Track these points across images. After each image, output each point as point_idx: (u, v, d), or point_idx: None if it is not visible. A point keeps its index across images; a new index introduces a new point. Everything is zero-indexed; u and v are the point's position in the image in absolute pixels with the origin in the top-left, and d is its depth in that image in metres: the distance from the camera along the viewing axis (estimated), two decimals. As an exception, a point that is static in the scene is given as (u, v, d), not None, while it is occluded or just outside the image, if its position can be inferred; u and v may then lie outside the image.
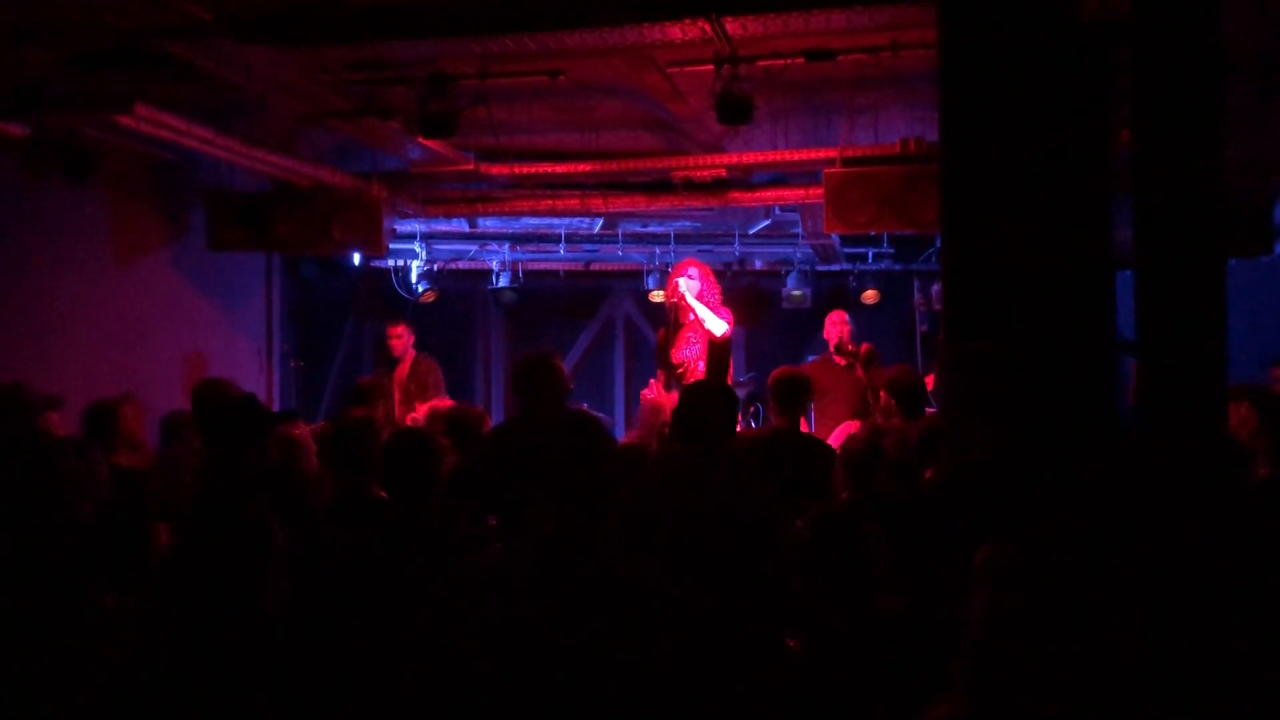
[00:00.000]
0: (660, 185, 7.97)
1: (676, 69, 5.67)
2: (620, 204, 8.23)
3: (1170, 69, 3.31)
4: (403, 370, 7.62)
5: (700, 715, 2.13)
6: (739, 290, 10.00)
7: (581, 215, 9.05)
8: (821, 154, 6.96)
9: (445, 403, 6.24)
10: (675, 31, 4.92)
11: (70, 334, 6.90)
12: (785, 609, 3.07)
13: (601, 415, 8.81)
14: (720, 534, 3.40)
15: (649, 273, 10.58)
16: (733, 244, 10.27)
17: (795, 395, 4.95)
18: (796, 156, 7.03)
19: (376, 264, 10.49)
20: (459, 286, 11.22)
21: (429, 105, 5.66)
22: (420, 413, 6.44)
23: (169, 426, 5.34)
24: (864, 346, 6.30)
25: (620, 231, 10.07)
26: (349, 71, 5.72)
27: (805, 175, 7.78)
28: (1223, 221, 3.36)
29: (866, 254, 10.31)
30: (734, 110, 5.45)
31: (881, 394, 5.50)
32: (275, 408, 8.75)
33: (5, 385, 4.21)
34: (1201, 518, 3.02)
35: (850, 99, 6.43)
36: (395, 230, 9.38)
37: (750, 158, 7.19)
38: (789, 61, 5.44)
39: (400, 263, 10.53)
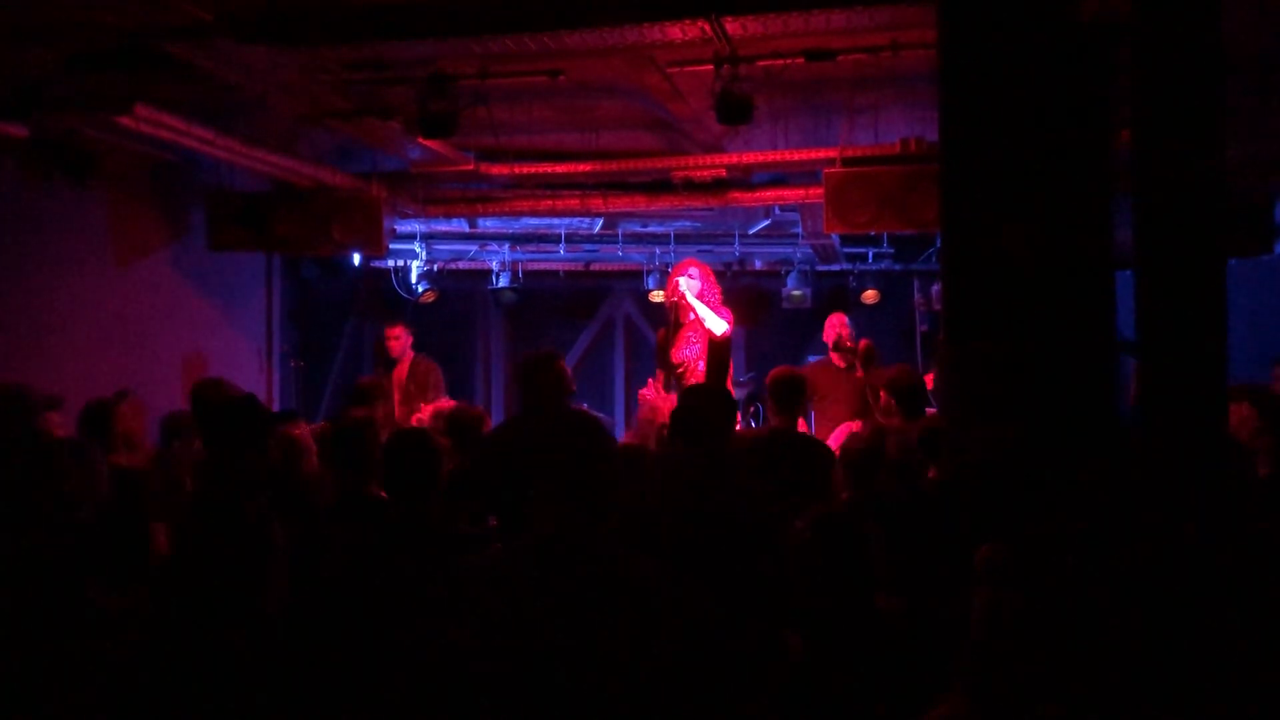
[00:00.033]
0: (660, 185, 7.97)
1: (676, 69, 5.67)
2: (620, 204, 8.23)
3: (1170, 69, 3.30)
4: (401, 371, 7.63)
5: (700, 715, 2.13)
6: (739, 290, 10.00)
7: (581, 215, 9.05)
8: (821, 154, 6.96)
9: (449, 403, 6.24)
10: (675, 31, 4.92)
11: (70, 334, 6.90)
12: (785, 609, 3.07)
13: (601, 415, 8.81)
14: (720, 534, 3.40)
15: (649, 273, 10.58)
16: (733, 244, 10.27)
17: (793, 395, 4.96)
18: (796, 156, 7.03)
19: (376, 264, 10.50)
20: (459, 286, 11.23)
21: (429, 105, 5.66)
22: (425, 414, 6.45)
23: (169, 427, 5.34)
24: (862, 343, 6.30)
25: (620, 231, 10.07)
26: (349, 71, 5.72)
27: (805, 175, 7.78)
28: (1223, 221, 3.35)
29: (866, 254, 10.31)
30: (734, 110, 5.46)
31: (881, 394, 5.50)
32: (275, 408, 8.75)
33: (6, 386, 4.21)
34: (1201, 518, 3.02)
35: (850, 99, 6.43)
36: (395, 230, 9.38)
37: (750, 158, 7.19)
38: (789, 61, 5.44)
39: (400, 263, 10.53)
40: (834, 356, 7.01)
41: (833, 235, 9.01)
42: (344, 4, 4.84)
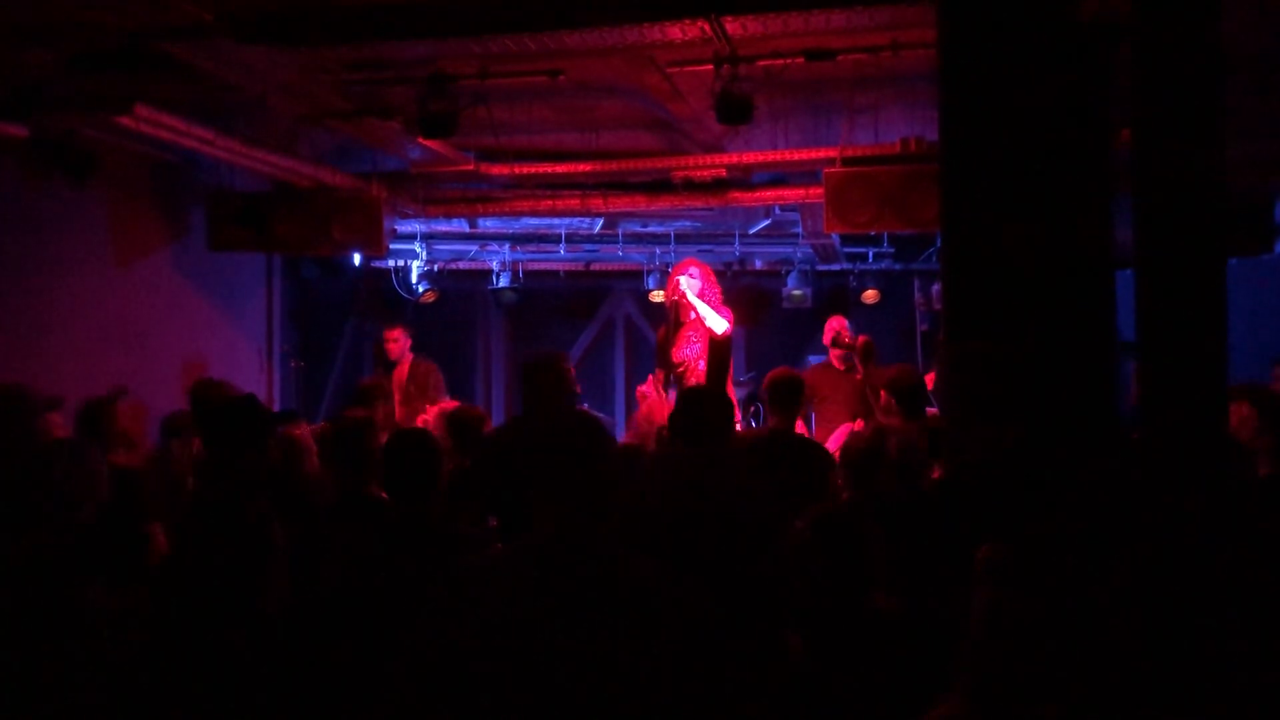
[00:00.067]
0: (660, 185, 7.97)
1: (676, 69, 5.67)
2: (620, 204, 8.23)
3: (1170, 69, 3.30)
4: (401, 373, 7.63)
5: (701, 716, 2.13)
6: (739, 290, 10.01)
7: (581, 215, 9.05)
8: (821, 154, 6.96)
9: (453, 404, 6.23)
10: (675, 31, 4.92)
11: (70, 334, 6.90)
12: (785, 608, 3.07)
13: (601, 415, 8.80)
14: (720, 534, 3.40)
15: (649, 273, 10.58)
16: (733, 244, 10.27)
17: (791, 396, 4.97)
18: (796, 156, 7.03)
19: (377, 264, 10.50)
20: (459, 287, 11.23)
21: (429, 105, 5.66)
22: (430, 415, 6.45)
23: (169, 427, 5.34)
24: (861, 339, 6.30)
25: (620, 231, 10.07)
26: (349, 72, 5.72)
27: (805, 175, 7.78)
28: (1223, 220, 3.35)
29: (867, 254, 10.31)
30: (734, 110, 5.46)
31: (882, 393, 5.50)
32: (276, 408, 8.75)
33: (6, 386, 4.21)
34: (1202, 518, 3.01)
35: (850, 99, 6.42)
36: (395, 230, 9.38)
37: (750, 158, 7.19)
38: (789, 61, 5.44)
39: (400, 263, 10.53)
40: (833, 354, 7.01)
41: (833, 235, 9.00)
42: (344, 4, 4.84)
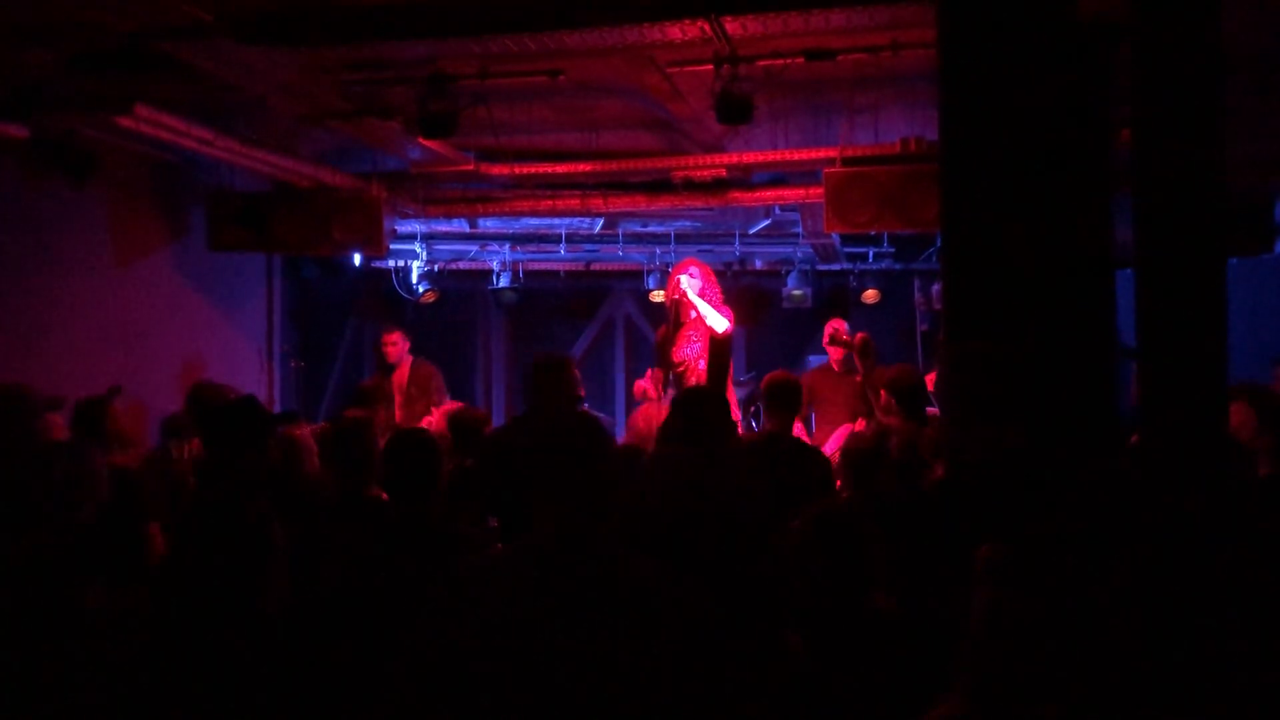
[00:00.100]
0: (660, 185, 7.97)
1: (676, 69, 5.67)
2: (620, 204, 8.23)
3: (1170, 69, 3.30)
4: (401, 375, 7.63)
5: (701, 716, 2.13)
6: (739, 290, 10.01)
7: (581, 215, 9.05)
8: (821, 154, 6.96)
9: (457, 405, 6.24)
10: (675, 31, 4.92)
11: (70, 334, 6.91)
12: (785, 608, 3.07)
13: (602, 415, 8.81)
14: (720, 534, 3.40)
15: (649, 273, 10.58)
16: (733, 244, 10.27)
17: (788, 400, 4.98)
18: (796, 156, 7.03)
19: (377, 264, 10.50)
20: (459, 287, 11.23)
21: (429, 105, 5.66)
22: (435, 417, 6.46)
23: (169, 428, 5.35)
24: (859, 336, 6.30)
25: (620, 231, 10.07)
26: (349, 72, 5.72)
27: (805, 175, 7.78)
28: (1223, 220, 3.35)
29: (867, 253, 10.31)
30: (734, 110, 5.46)
31: (882, 393, 5.50)
32: (276, 408, 8.75)
33: (6, 387, 4.21)
34: (1202, 518, 3.01)
35: (850, 99, 6.42)
36: (395, 230, 9.38)
37: (750, 158, 7.19)
38: (789, 61, 5.44)
39: (401, 263, 10.53)
40: (831, 352, 7.02)
41: (833, 235, 9.00)
42: (344, 4, 4.84)
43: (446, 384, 7.72)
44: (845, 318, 7.27)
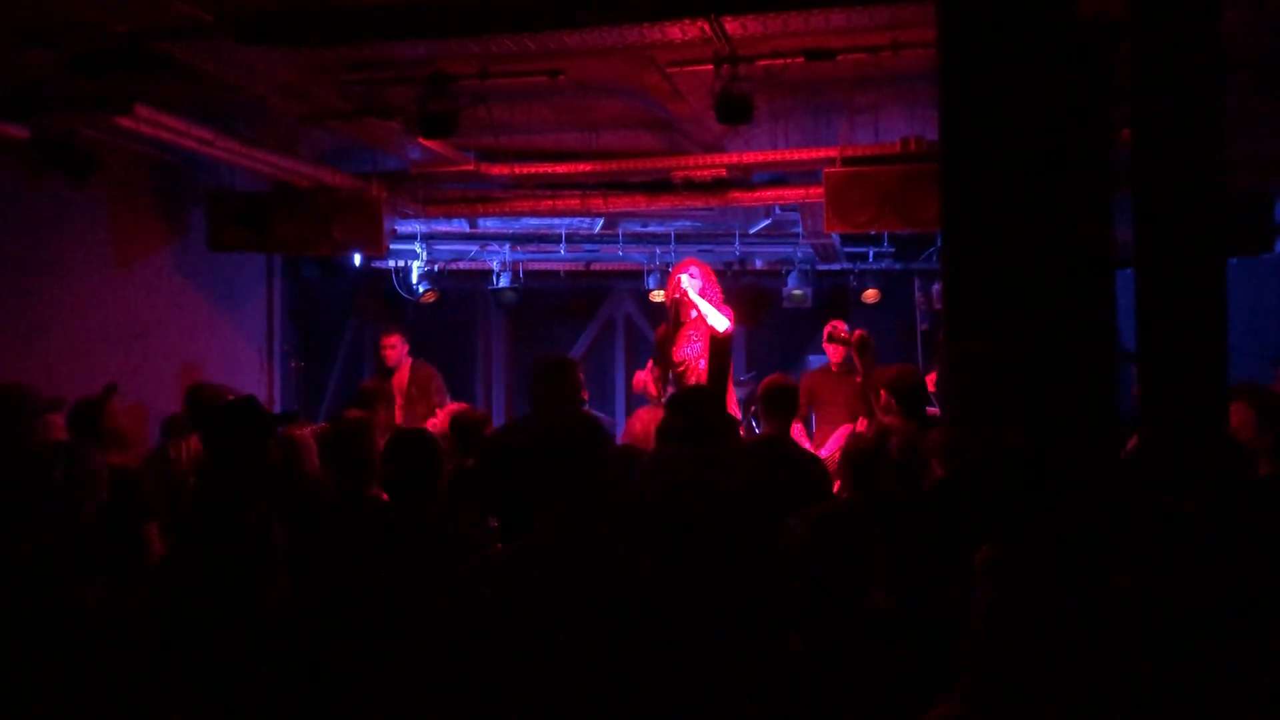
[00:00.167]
0: (660, 185, 7.97)
1: (676, 69, 5.67)
2: (620, 204, 8.23)
3: (1170, 69, 3.30)
4: (402, 377, 7.62)
5: (701, 715, 2.13)
6: (739, 290, 10.00)
7: (582, 215, 9.05)
8: (821, 153, 6.96)
9: (462, 406, 6.23)
10: (675, 31, 4.92)
11: (70, 334, 6.91)
12: (785, 608, 3.07)
13: (602, 415, 8.81)
14: (720, 534, 3.40)
15: (649, 273, 10.59)
16: (733, 244, 10.27)
17: (784, 403, 4.99)
18: (796, 156, 7.03)
19: (377, 264, 10.50)
20: (459, 287, 11.23)
21: (429, 105, 5.66)
22: (440, 418, 6.45)
23: (169, 428, 5.35)
24: (856, 333, 6.30)
25: (620, 231, 10.07)
26: (349, 72, 5.72)
27: (805, 175, 7.78)
28: (1223, 220, 3.35)
29: (867, 253, 10.31)
30: (734, 110, 5.45)
31: (882, 393, 5.50)
32: (276, 408, 8.76)
33: (7, 387, 4.21)
34: (1202, 518, 3.01)
35: (850, 98, 6.42)
36: (395, 231, 9.39)
37: (750, 157, 7.19)
38: (789, 61, 5.44)
39: (401, 263, 10.53)
40: (830, 352, 7.02)
41: (833, 235, 9.00)
42: (344, 4, 4.84)
43: (446, 384, 7.72)
44: (845, 318, 7.28)
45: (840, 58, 5.38)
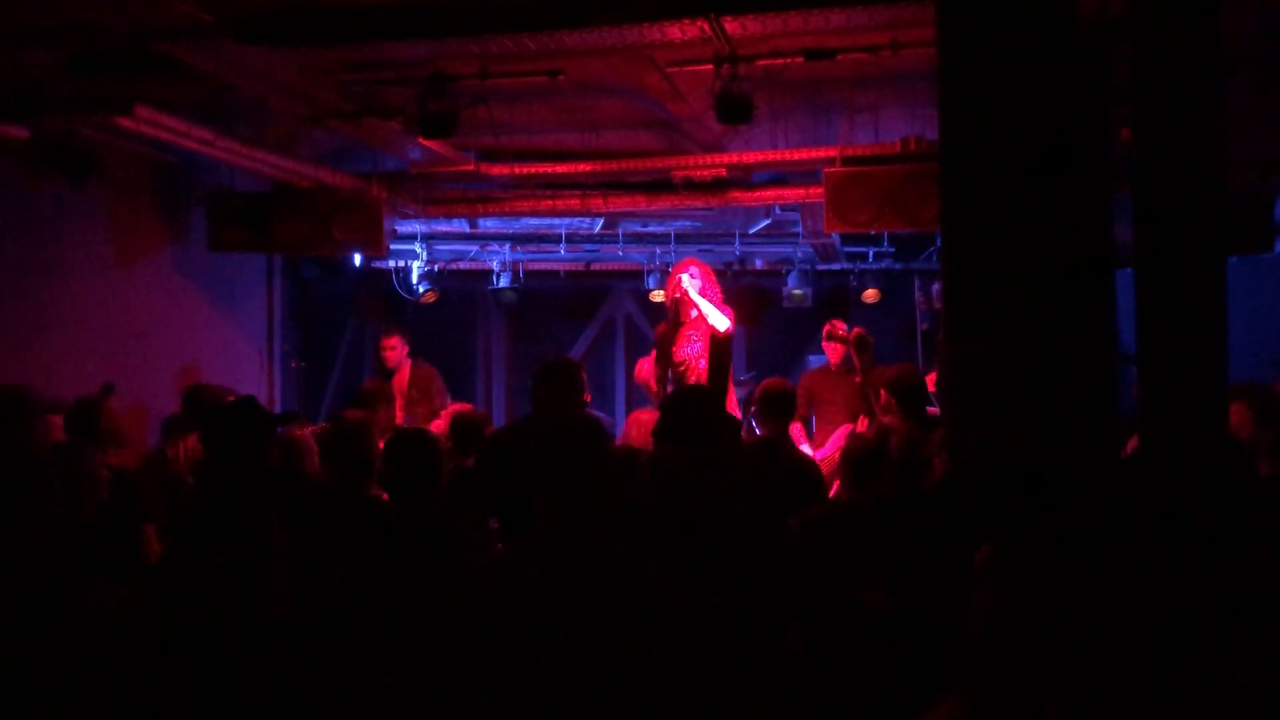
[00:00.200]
0: (660, 185, 7.97)
1: (676, 69, 5.67)
2: (620, 204, 8.23)
3: (1170, 68, 3.30)
4: (402, 378, 7.61)
5: (701, 715, 2.13)
6: (739, 290, 10.01)
7: (582, 215, 9.05)
8: (821, 153, 6.96)
9: (465, 407, 6.22)
10: (675, 31, 4.92)
11: (70, 334, 6.91)
12: (785, 608, 3.07)
13: (602, 415, 8.81)
14: (720, 534, 3.40)
15: (649, 273, 10.59)
16: (733, 244, 10.28)
17: (781, 406, 5.00)
18: (796, 156, 7.03)
19: (377, 265, 10.50)
20: (460, 287, 11.23)
21: (429, 105, 5.66)
22: (443, 419, 6.44)
23: (170, 428, 5.35)
24: (854, 331, 6.31)
25: (620, 231, 10.07)
26: (349, 72, 5.72)
27: (805, 174, 7.78)
28: (1223, 220, 3.35)
29: (867, 253, 10.32)
30: (734, 110, 5.45)
31: (882, 393, 5.50)
32: (277, 408, 8.76)
33: (8, 388, 4.21)
34: (1202, 518, 3.01)
35: (850, 98, 6.42)
36: (396, 231, 9.39)
37: (750, 157, 7.19)
38: (789, 61, 5.44)
39: (401, 263, 10.53)
40: (829, 351, 7.02)
41: (833, 234, 9.00)
42: (344, 4, 4.84)
43: (446, 385, 7.72)
44: (845, 318, 7.28)
45: (840, 57, 5.38)
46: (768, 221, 9.45)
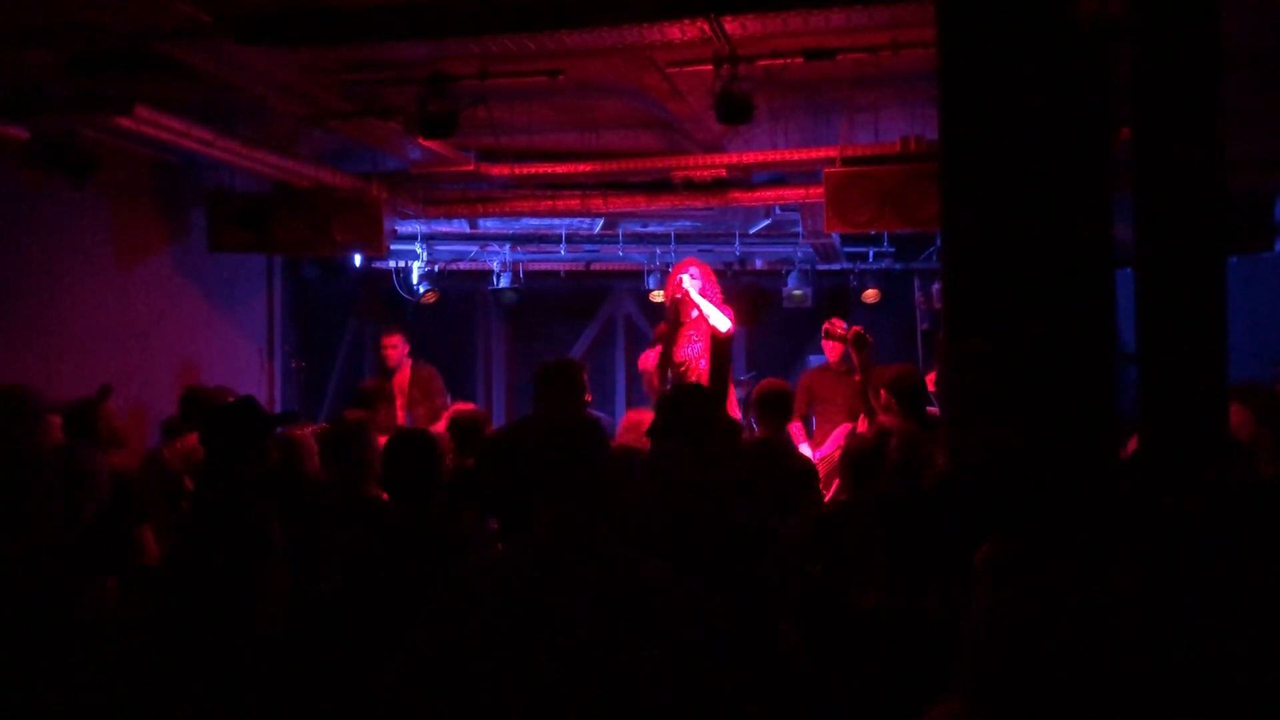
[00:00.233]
0: (660, 185, 7.97)
1: (676, 69, 5.67)
2: (620, 204, 8.23)
3: (1170, 68, 3.30)
4: (403, 378, 7.60)
5: (701, 715, 2.13)
6: (739, 290, 10.01)
7: (582, 215, 9.05)
8: (821, 153, 6.96)
9: (468, 406, 6.22)
10: (675, 31, 4.92)
11: (70, 334, 6.91)
12: (785, 608, 3.07)
13: (602, 415, 8.81)
14: (720, 534, 3.40)
15: (649, 273, 10.59)
16: (733, 244, 10.28)
17: (778, 407, 5.00)
18: (796, 156, 7.03)
19: (377, 265, 10.50)
20: (460, 287, 11.24)
21: (429, 105, 5.66)
22: (445, 420, 6.44)
23: (169, 429, 5.35)
24: (852, 329, 6.32)
25: (620, 231, 10.08)
26: (349, 72, 5.72)
27: (805, 175, 7.78)
28: (1223, 219, 3.35)
29: (867, 253, 10.32)
30: (734, 110, 5.45)
31: (882, 393, 5.50)
32: (277, 408, 8.76)
33: (9, 388, 4.21)
34: (1202, 518, 3.02)
35: (850, 98, 6.42)
36: (396, 231, 9.39)
37: (750, 157, 7.19)
38: (789, 61, 5.44)
39: (401, 263, 10.54)
40: (828, 350, 7.02)
41: (833, 234, 9.00)
42: (344, 4, 4.84)
43: (446, 384, 7.72)
44: (845, 317, 7.27)
45: (840, 57, 5.38)
46: (768, 221, 9.45)
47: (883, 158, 6.84)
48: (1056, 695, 2.03)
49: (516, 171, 7.58)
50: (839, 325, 6.81)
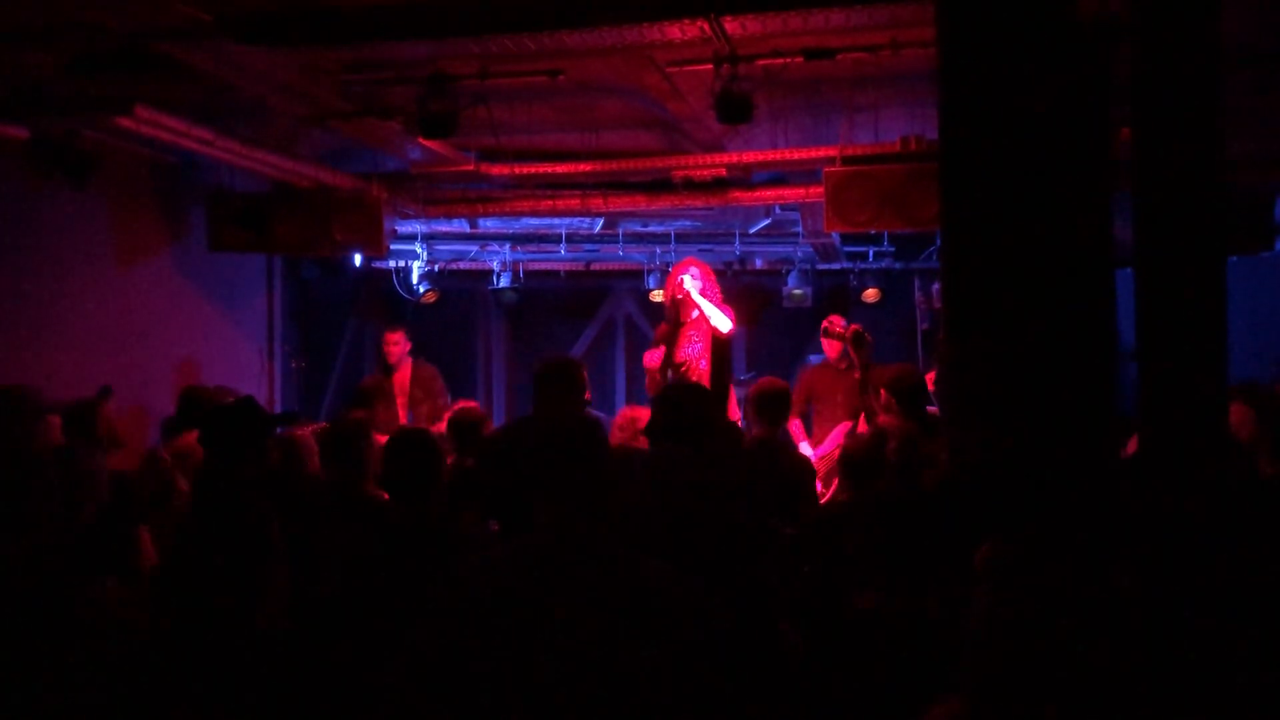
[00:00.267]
0: (660, 185, 7.97)
1: (676, 69, 5.67)
2: (620, 204, 8.23)
3: (1170, 68, 3.30)
4: (404, 377, 7.61)
5: (701, 715, 2.13)
6: (739, 289, 10.01)
7: (582, 215, 9.05)
8: (821, 153, 6.95)
9: (471, 405, 6.21)
10: (675, 31, 4.92)
11: (71, 336, 6.91)
12: (784, 608, 3.07)
13: (602, 415, 8.80)
14: (720, 534, 3.40)
15: (649, 272, 10.59)
16: (733, 243, 10.28)
17: (776, 407, 5.00)
18: (796, 155, 7.03)
19: (377, 265, 10.50)
20: (460, 287, 11.24)
21: (429, 105, 5.66)
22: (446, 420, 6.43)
23: (169, 429, 5.35)
24: (851, 327, 6.32)
25: (620, 231, 10.07)
26: (349, 72, 5.72)
27: (805, 174, 7.78)
28: (1223, 219, 3.35)
29: (867, 253, 10.32)
30: (734, 110, 5.45)
31: (882, 392, 5.50)
32: (277, 408, 8.76)
33: (9, 388, 4.21)
34: (1202, 518, 3.02)
35: (850, 97, 6.42)
36: (396, 231, 9.39)
37: (750, 157, 7.19)
38: (788, 60, 5.44)
39: (401, 263, 10.54)
40: (826, 346, 7.02)
41: (833, 234, 9.00)
42: (344, 4, 4.84)
43: (446, 384, 7.72)
44: (845, 317, 7.27)
45: (840, 57, 5.38)
46: (768, 221, 9.45)
47: (883, 157, 6.84)
48: (1057, 695, 2.03)
49: (516, 171, 7.57)
50: (838, 323, 6.81)
